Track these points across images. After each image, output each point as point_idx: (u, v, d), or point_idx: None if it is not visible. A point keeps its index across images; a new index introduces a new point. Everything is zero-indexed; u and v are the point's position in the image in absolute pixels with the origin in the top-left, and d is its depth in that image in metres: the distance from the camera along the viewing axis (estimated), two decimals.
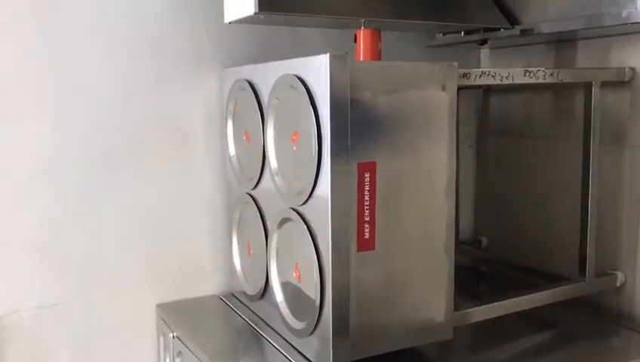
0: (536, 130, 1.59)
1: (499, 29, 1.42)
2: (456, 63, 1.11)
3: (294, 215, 1.12)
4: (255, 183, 1.28)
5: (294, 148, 1.12)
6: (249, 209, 1.33)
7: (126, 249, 1.42)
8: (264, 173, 1.25)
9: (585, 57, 1.47)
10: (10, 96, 1.29)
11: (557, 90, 1.54)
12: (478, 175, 1.80)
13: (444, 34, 1.59)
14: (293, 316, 1.18)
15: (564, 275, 1.38)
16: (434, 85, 1.09)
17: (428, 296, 1.13)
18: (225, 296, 1.49)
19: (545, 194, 1.57)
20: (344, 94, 1.00)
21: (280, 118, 1.17)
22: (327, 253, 1.03)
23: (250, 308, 1.39)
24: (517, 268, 1.61)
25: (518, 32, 1.39)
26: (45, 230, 1.35)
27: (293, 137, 1.12)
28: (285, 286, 1.21)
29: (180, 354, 1.32)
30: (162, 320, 1.41)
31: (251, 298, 1.36)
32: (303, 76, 1.06)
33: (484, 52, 1.73)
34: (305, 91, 1.04)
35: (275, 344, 1.21)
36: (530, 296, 1.27)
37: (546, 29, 1.34)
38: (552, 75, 1.24)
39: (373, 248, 1.06)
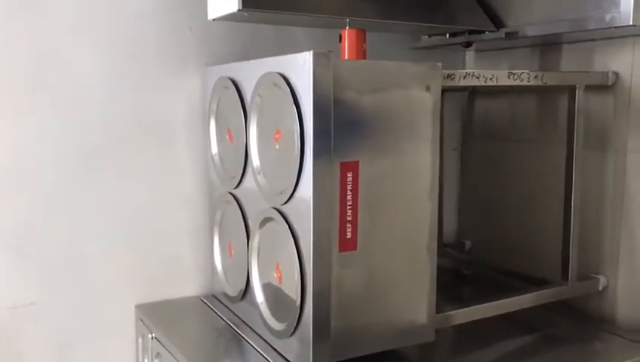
0: (520, 133, 1.59)
1: (484, 32, 1.42)
2: (440, 64, 1.10)
3: (276, 214, 1.11)
4: (237, 182, 1.27)
5: (277, 146, 1.11)
6: (231, 208, 1.31)
7: (105, 248, 1.40)
8: (246, 172, 1.23)
9: (570, 61, 1.47)
10: None
11: (541, 93, 1.54)
12: (462, 177, 1.79)
13: (429, 36, 1.59)
14: (274, 317, 1.17)
15: (548, 279, 1.38)
16: (418, 85, 1.08)
17: (410, 298, 1.12)
18: (206, 297, 1.48)
19: (529, 197, 1.57)
20: (327, 93, 0.99)
21: (263, 117, 1.16)
22: (308, 253, 1.02)
23: (230, 310, 1.37)
24: (500, 271, 1.61)
25: (503, 35, 1.39)
26: (23, 228, 1.32)
27: (276, 136, 1.11)
28: (266, 286, 1.20)
29: (158, 355, 1.30)
30: (141, 320, 1.39)
31: (232, 299, 1.34)
32: (286, 74, 1.05)
33: (470, 54, 1.73)
34: (288, 89, 1.03)
35: (255, 345, 1.20)
36: (512, 299, 1.26)
37: (530, 32, 1.34)
38: (536, 77, 1.24)
39: (355, 248, 1.05)
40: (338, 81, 1.00)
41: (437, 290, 1.14)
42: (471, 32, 1.45)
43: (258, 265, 1.22)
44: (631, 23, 1.12)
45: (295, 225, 1.06)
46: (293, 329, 1.08)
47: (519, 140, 1.60)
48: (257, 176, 1.17)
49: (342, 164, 1.02)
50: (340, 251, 1.04)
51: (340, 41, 1.27)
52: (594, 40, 1.39)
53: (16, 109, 1.29)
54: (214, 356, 1.26)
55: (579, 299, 1.41)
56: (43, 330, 1.35)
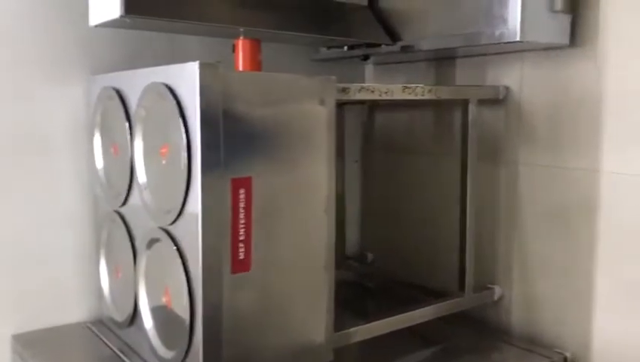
0: (418, 145, 1.61)
1: (380, 45, 1.42)
2: (334, 77, 1.08)
3: (163, 235, 1.03)
4: (123, 200, 1.18)
5: (164, 162, 1.04)
6: (117, 228, 1.22)
7: None
8: (132, 189, 1.15)
9: (464, 75, 1.50)
10: None
11: (437, 106, 1.56)
12: (364, 190, 1.79)
13: (328, 48, 1.57)
14: (163, 344, 1.09)
15: (447, 290, 1.39)
16: (312, 99, 1.05)
17: (307, 318, 1.08)
18: (93, 323, 1.37)
19: (427, 209, 1.58)
20: (216, 105, 0.94)
21: (149, 130, 1.09)
22: (197, 276, 0.96)
23: (119, 336, 1.27)
24: (402, 284, 1.61)
25: (399, 48, 1.39)
26: None
27: (163, 150, 1.04)
28: (155, 311, 1.12)
29: None
30: (17, 353, 1.26)
31: (120, 325, 1.25)
32: (172, 85, 0.98)
33: (369, 68, 1.73)
34: (174, 101, 0.97)
35: None
36: (410, 313, 1.25)
37: (425, 45, 1.35)
38: (430, 91, 1.24)
39: (248, 269, 1.00)
40: (228, 93, 0.95)
41: (339, 305, 1.11)
42: (368, 45, 1.45)
43: (146, 289, 1.14)
44: (518, 39, 1.15)
45: (183, 246, 0.99)
46: (182, 357, 1.01)
47: (417, 152, 1.61)
48: (143, 194, 1.09)
49: (233, 180, 0.97)
50: (233, 273, 0.98)
51: (234, 51, 1.23)
52: (486, 55, 1.42)
53: None
54: None
55: (478, 310, 1.43)
56: None
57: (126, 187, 1.16)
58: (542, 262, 1.35)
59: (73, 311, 1.37)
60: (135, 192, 1.14)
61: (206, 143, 0.93)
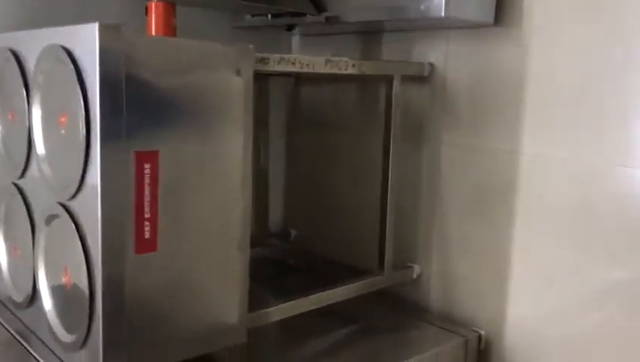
0: (342, 121, 1.57)
1: (305, 15, 1.36)
2: (252, 46, 1.02)
3: (62, 211, 0.95)
4: (21, 172, 1.09)
5: (63, 132, 0.95)
6: (15, 202, 1.13)
7: None
8: (31, 160, 1.06)
9: (391, 51, 1.47)
10: None
11: (363, 82, 1.52)
12: (289, 166, 1.75)
13: (252, 15, 1.50)
14: (64, 328, 1.02)
15: (367, 268, 1.38)
16: (227, 68, 0.99)
17: (220, 299, 1.04)
18: None
19: (351, 187, 1.56)
20: (117, 71, 0.86)
21: (47, 97, 0.99)
22: (97, 256, 0.89)
23: (18, 318, 1.18)
24: (324, 262, 1.59)
25: (324, 19, 1.34)
26: None
27: (62, 119, 0.95)
28: (55, 293, 1.04)
29: None
30: None
31: (18, 305, 1.16)
32: (71, 48, 0.89)
33: (295, 39, 1.67)
34: (72, 65, 0.88)
35: (42, 360, 1.04)
36: (327, 292, 1.23)
37: (351, 17, 1.31)
38: (354, 66, 1.20)
39: (155, 249, 0.93)
40: (132, 59, 0.87)
41: (260, 284, 1.07)
42: (293, 15, 1.39)
43: (45, 268, 1.05)
44: (442, 15, 1.12)
45: (83, 224, 0.92)
46: (82, 341, 0.94)
47: (341, 128, 1.58)
48: (42, 166, 1.01)
49: (137, 153, 0.90)
50: (138, 253, 0.92)
51: (147, 14, 1.14)
52: (413, 30, 1.40)
53: None
54: None
55: (397, 288, 1.43)
56: None
57: (24, 158, 1.07)
58: (461, 241, 1.35)
59: None
60: (34, 164, 1.05)
61: (106, 112, 0.85)
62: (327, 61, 1.15)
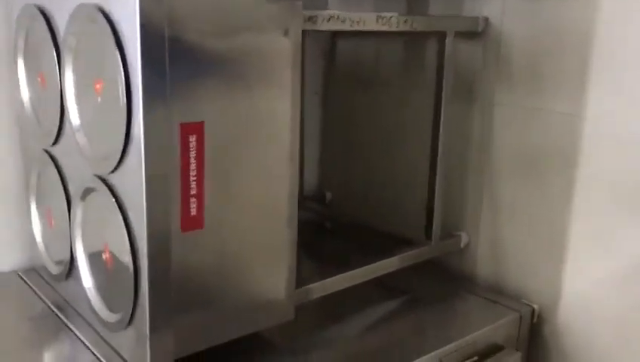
0: (384, 78, 1.48)
1: None
2: (300, 2, 0.92)
3: (100, 185, 0.89)
4: (54, 139, 1.02)
5: (99, 100, 0.88)
6: (48, 170, 1.07)
7: None
8: (64, 127, 0.99)
9: (437, 3, 1.36)
10: None
11: (409, 37, 1.42)
12: (324, 124, 1.67)
13: None
14: (106, 306, 0.97)
15: (408, 235, 1.32)
16: (275, 28, 0.90)
17: (267, 277, 0.98)
18: (25, 272, 1.23)
19: (392, 148, 1.48)
20: (160, 34, 0.78)
21: (80, 61, 0.92)
22: (141, 234, 0.83)
23: (54, 289, 1.15)
24: (361, 226, 1.53)
25: None
26: None
27: (97, 86, 0.88)
28: (95, 269, 0.99)
29: None
30: None
31: (55, 278, 1.12)
32: (106, 7, 0.81)
33: None
34: (108, 27, 0.80)
35: (82, 337, 1.00)
36: (374, 265, 1.17)
37: None
38: (405, 22, 1.10)
39: (201, 226, 0.87)
40: (174, 20, 0.79)
41: (298, 248, 1.00)
42: None
43: (84, 244, 1.00)
44: None
45: (124, 200, 0.86)
46: (127, 321, 0.90)
47: (382, 85, 1.48)
48: (77, 136, 0.94)
49: (182, 125, 0.83)
50: (184, 231, 0.86)
51: None
52: None
53: None
54: (31, 349, 1.03)
55: (440, 256, 1.37)
56: None
57: (56, 125, 1.00)
58: (513, 208, 1.28)
59: (2, 260, 1.23)
60: (67, 131, 0.98)
61: (148, 79, 0.78)
62: (379, 17, 1.06)
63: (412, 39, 1.41)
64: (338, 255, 1.43)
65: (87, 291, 0.99)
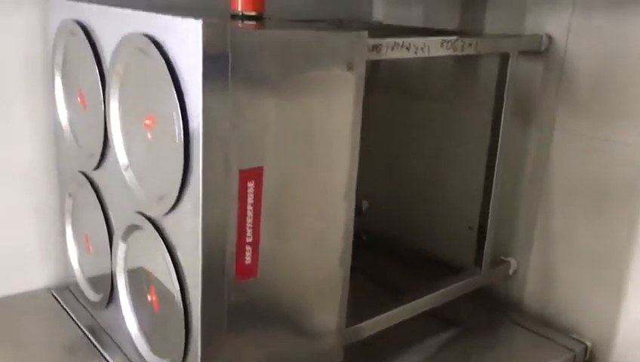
0: (434, 92, 1.40)
1: None
2: (366, 32, 0.85)
3: (147, 224, 0.84)
4: (96, 164, 0.96)
5: (149, 136, 0.82)
6: (86, 193, 1.01)
7: None
8: (107, 154, 0.93)
9: (494, 17, 1.27)
10: None
11: None
12: (364, 130, 1.59)
13: None
14: (152, 351, 0.92)
15: (452, 256, 1.27)
16: (338, 63, 0.83)
17: (318, 319, 0.93)
18: (58, 290, 1.19)
19: (441, 166, 1.41)
20: (223, 70, 0.71)
21: (128, 91, 0.85)
22: (195, 282, 0.78)
23: (91, 314, 1.10)
24: (398, 241, 1.47)
25: None
26: None
27: (147, 121, 0.82)
28: (139, 311, 0.94)
29: None
30: None
31: (94, 305, 1.07)
32: (159, 36, 0.74)
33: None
34: (162, 60, 0.73)
35: None
36: (424, 298, 1.11)
37: None
38: (470, 45, 1.03)
39: (256, 275, 0.82)
40: (238, 56, 0.72)
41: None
42: None
43: (126, 281, 0.95)
44: None
45: (176, 245, 0.80)
46: None
47: (432, 100, 1.40)
48: (124, 173, 0.88)
49: (242, 172, 0.76)
50: (237, 281, 0.80)
51: None
52: None
53: None
54: None
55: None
56: None
57: (100, 150, 0.94)
58: (568, 238, 1.21)
59: (33, 275, 1.19)
60: (111, 159, 0.92)
61: (210, 122, 0.72)
62: (443, 42, 0.98)
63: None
64: (383, 276, 1.37)
65: (133, 336, 0.94)
